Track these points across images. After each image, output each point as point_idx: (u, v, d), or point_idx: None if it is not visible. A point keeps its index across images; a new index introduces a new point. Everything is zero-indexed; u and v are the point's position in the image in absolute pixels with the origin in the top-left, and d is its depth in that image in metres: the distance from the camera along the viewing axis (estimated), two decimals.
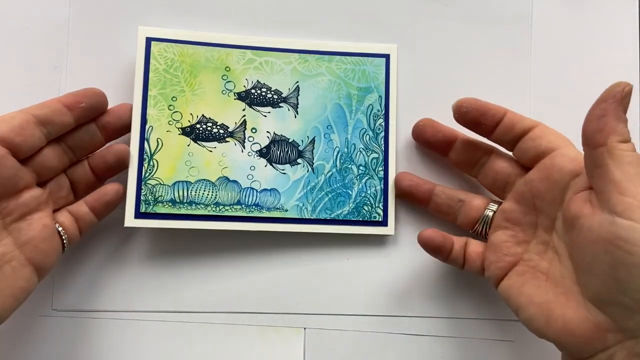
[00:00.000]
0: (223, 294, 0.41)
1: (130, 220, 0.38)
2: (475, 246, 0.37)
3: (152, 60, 0.40)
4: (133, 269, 0.41)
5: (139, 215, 0.38)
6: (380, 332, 0.40)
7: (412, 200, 0.40)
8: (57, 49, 0.42)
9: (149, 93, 0.39)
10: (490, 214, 0.37)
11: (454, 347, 0.40)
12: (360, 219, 0.40)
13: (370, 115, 0.41)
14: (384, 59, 0.42)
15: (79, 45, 0.42)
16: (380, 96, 0.41)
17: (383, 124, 0.41)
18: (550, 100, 0.42)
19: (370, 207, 0.40)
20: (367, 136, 0.41)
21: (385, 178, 0.41)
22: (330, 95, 0.41)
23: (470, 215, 0.38)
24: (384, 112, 0.41)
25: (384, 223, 0.40)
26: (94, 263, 0.41)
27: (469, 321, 0.41)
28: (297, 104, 0.41)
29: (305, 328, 0.40)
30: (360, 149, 0.41)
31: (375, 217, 0.40)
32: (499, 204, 0.37)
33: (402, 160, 0.42)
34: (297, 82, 0.41)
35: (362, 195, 0.41)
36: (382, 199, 0.41)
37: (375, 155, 0.41)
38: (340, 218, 0.40)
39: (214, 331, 0.40)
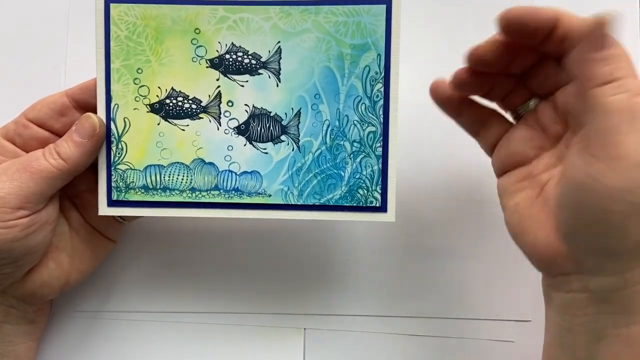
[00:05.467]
0: (222, 294, 0.41)
1: (103, 209, 0.36)
2: (498, 127, 0.35)
3: (112, 27, 0.36)
4: (131, 269, 0.41)
5: (111, 203, 0.36)
6: (380, 332, 0.41)
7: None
8: (57, 49, 0.43)
9: (112, 66, 0.36)
10: (532, 104, 0.34)
11: (454, 347, 0.40)
12: (355, 204, 0.35)
13: (366, 79, 0.35)
14: (384, 7, 0.35)
15: (79, 45, 0.43)
16: (379, 54, 0.35)
17: (382, 89, 0.35)
18: None
19: (366, 191, 0.35)
20: (363, 105, 0.35)
21: (385, 156, 0.35)
22: (318, 56, 0.35)
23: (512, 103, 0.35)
24: (383, 74, 0.35)
25: (382, 209, 0.35)
26: None
27: (469, 321, 0.41)
28: (279, 69, 0.35)
29: (305, 328, 0.41)
30: (355, 122, 0.35)
31: (372, 202, 0.35)
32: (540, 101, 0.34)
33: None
34: (279, 42, 0.35)
35: (357, 177, 0.35)
36: (380, 181, 0.35)
37: (372, 128, 0.35)
38: (331, 203, 0.36)
39: (213, 331, 0.41)
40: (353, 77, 0.36)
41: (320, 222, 0.42)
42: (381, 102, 0.35)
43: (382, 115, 0.35)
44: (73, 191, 0.39)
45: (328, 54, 0.36)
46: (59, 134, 0.37)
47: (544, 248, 0.31)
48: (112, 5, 0.36)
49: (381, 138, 0.36)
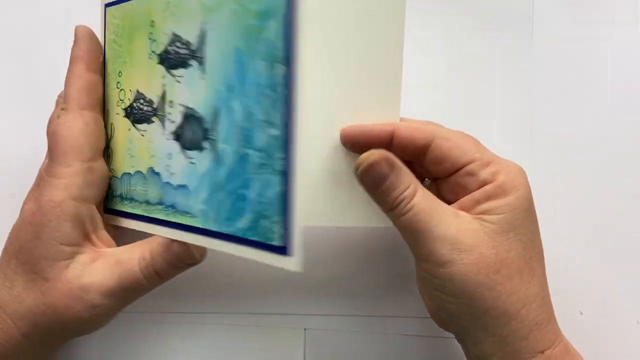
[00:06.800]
0: (222, 294, 0.40)
1: (103, 216, 0.36)
2: None
3: (107, 31, 0.35)
4: None
5: (106, 210, 0.36)
6: (380, 333, 0.40)
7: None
8: (57, 50, 0.42)
9: (106, 71, 0.35)
10: (427, 184, 0.36)
11: (454, 347, 0.38)
12: (257, 239, 0.25)
13: (269, 58, 0.25)
14: None
15: None
16: (279, 21, 0.24)
17: (284, 74, 0.24)
18: (550, 100, 0.42)
19: (268, 222, 0.25)
20: (267, 99, 0.25)
21: (289, 172, 0.24)
22: (231, 35, 0.27)
23: None
24: (284, 51, 0.24)
25: (283, 250, 0.24)
26: None
27: None
28: (204, 57, 0.28)
29: (305, 329, 0.40)
30: (259, 122, 0.25)
31: (271, 238, 0.25)
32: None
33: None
34: (203, 23, 0.28)
35: (261, 200, 0.25)
36: (281, 210, 0.24)
37: (275, 131, 0.24)
38: (239, 235, 0.26)
39: (213, 332, 0.40)
40: (258, 57, 0.25)
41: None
42: (283, 92, 0.24)
43: (284, 111, 0.24)
44: None
45: (238, 31, 0.26)
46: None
47: (435, 315, 0.34)
48: (107, 9, 0.35)
49: (284, 146, 0.24)
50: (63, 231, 0.31)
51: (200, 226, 0.29)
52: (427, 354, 0.40)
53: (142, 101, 0.33)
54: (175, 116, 0.31)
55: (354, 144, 0.31)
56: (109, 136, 0.35)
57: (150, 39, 0.32)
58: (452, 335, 0.37)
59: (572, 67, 0.43)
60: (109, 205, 0.36)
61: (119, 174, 0.35)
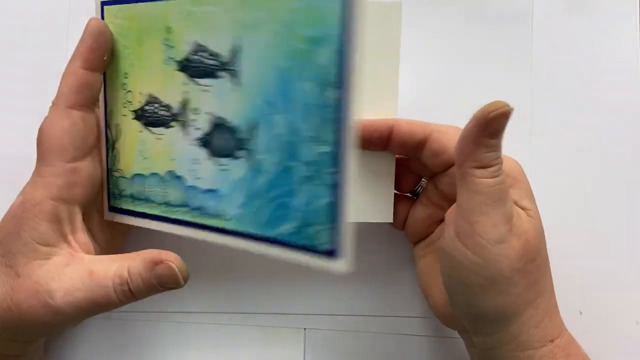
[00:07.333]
0: (222, 294, 0.41)
1: (106, 213, 0.37)
2: (402, 207, 0.37)
3: None
4: None
5: (110, 208, 0.37)
6: (380, 333, 0.41)
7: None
8: (58, 51, 0.42)
9: (107, 71, 0.35)
10: (419, 189, 0.38)
11: (454, 347, 0.40)
12: (304, 243, 0.28)
13: (320, 82, 0.27)
14: None
15: None
16: (334, 49, 0.26)
17: (336, 97, 0.26)
18: (550, 100, 0.42)
19: (316, 228, 0.28)
20: (316, 117, 0.27)
21: (339, 185, 0.27)
22: (274, 54, 0.29)
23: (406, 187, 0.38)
24: (337, 76, 0.26)
25: (334, 253, 0.27)
26: None
27: None
28: (238, 71, 0.30)
29: (305, 328, 0.41)
30: (306, 138, 0.28)
31: (321, 244, 0.27)
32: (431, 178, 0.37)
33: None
34: (238, 38, 0.30)
35: (308, 209, 0.28)
36: (332, 219, 0.27)
37: (325, 147, 0.27)
38: (282, 239, 0.29)
39: (213, 332, 0.41)
40: (306, 79, 0.27)
41: None
42: (335, 113, 0.27)
43: (336, 131, 0.27)
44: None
45: (282, 51, 0.28)
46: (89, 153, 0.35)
47: (441, 308, 0.34)
48: (105, 8, 0.35)
49: (334, 161, 0.27)
50: (40, 231, 0.31)
51: (235, 229, 0.31)
52: (427, 354, 0.41)
53: (157, 105, 0.34)
54: (201, 123, 0.32)
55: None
56: (115, 137, 0.36)
57: (166, 44, 0.33)
58: (453, 335, 0.39)
59: (572, 67, 0.42)
60: (116, 204, 0.36)
61: (129, 175, 0.35)
